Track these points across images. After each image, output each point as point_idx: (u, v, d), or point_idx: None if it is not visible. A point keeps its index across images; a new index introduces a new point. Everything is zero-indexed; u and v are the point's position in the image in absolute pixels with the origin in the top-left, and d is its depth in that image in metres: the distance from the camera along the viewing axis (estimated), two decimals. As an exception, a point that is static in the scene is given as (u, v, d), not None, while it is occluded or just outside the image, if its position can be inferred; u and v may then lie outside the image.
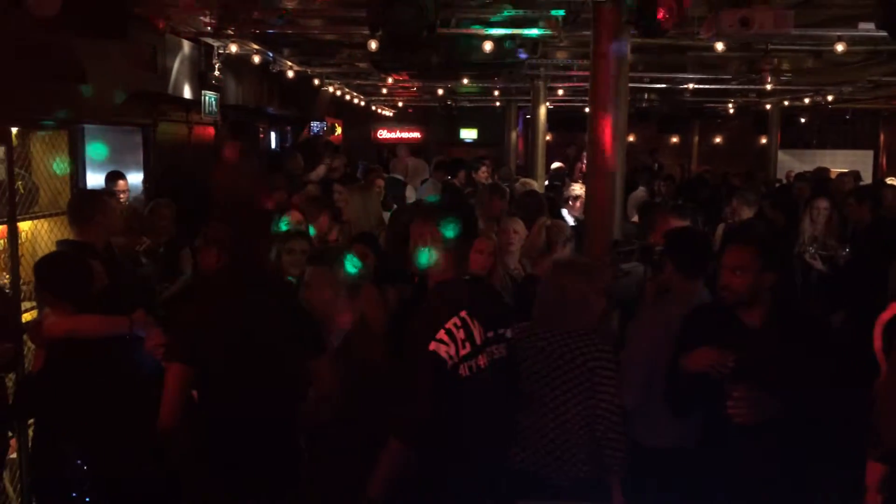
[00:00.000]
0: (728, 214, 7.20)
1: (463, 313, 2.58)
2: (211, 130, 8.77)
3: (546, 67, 9.63)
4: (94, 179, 6.15)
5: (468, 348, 2.57)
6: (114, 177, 6.17)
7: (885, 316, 2.63)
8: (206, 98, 7.96)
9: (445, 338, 2.52)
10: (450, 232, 2.63)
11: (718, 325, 2.78)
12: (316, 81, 10.17)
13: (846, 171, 10.23)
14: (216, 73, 7.86)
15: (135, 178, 6.80)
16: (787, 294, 5.64)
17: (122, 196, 5.97)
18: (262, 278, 2.85)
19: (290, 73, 9.04)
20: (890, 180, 10.35)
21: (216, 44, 7.64)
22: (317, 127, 14.07)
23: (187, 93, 7.52)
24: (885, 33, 4.32)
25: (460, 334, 2.55)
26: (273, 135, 13.00)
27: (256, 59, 8.00)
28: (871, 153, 17.30)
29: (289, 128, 13.67)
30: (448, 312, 2.57)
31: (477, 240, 3.63)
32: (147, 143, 7.02)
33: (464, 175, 9.60)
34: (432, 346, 2.51)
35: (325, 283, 3.08)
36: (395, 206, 7.01)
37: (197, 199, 3.98)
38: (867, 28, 5.44)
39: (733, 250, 2.78)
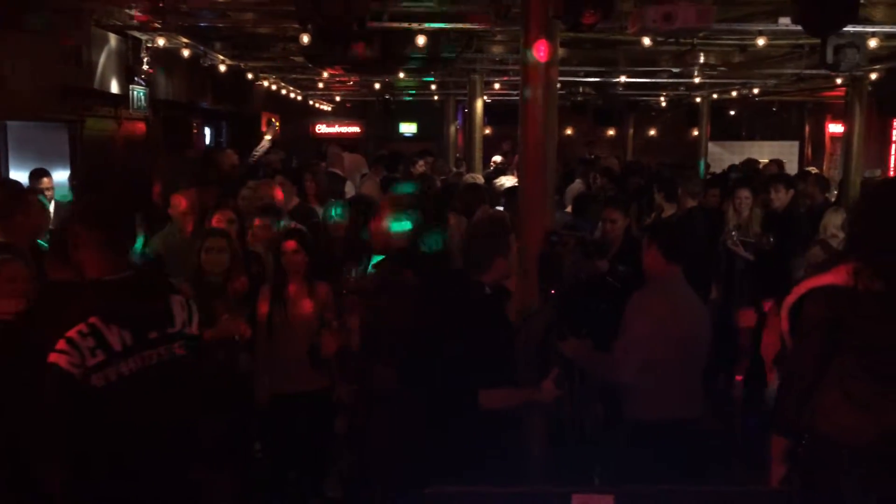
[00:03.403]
0: (658, 205, 7.41)
1: (92, 319, 2.42)
2: (142, 126, 8.58)
3: (482, 61, 9.70)
4: (18, 178, 5.96)
5: (100, 356, 2.41)
6: (38, 174, 5.99)
7: (790, 299, 2.74)
8: (135, 93, 7.78)
9: (66, 347, 2.36)
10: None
11: None
12: (249, 76, 10.02)
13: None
14: (145, 67, 7.68)
15: (61, 176, 6.61)
16: (707, 281, 5.87)
17: (47, 193, 5.80)
18: None
19: (223, 68, 8.89)
20: (812, 170, 10.77)
21: (144, 37, 7.46)
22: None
23: (115, 87, 7.34)
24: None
25: (87, 342, 2.40)
26: (208, 130, 12.78)
27: (186, 52, 7.84)
28: (796, 144, 17.94)
29: (224, 123, 13.45)
30: (71, 321, 2.41)
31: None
32: (73, 139, 6.83)
33: (402, 169, 9.62)
34: (52, 357, 2.35)
35: None
36: (331, 200, 7.00)
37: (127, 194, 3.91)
38: (786, 23, 5.64)
39: None
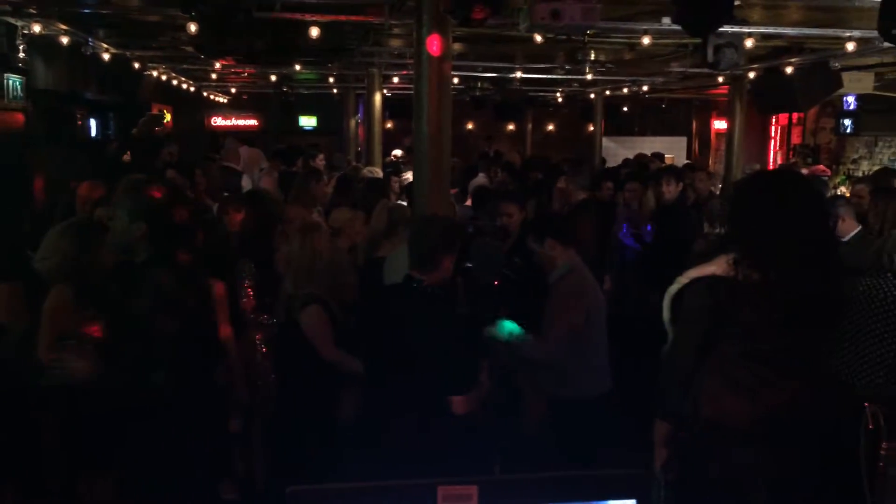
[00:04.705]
0: (556, 198, 7.59)
1: None
2: (19, 116, 8.09)
3: (380, 55, 9.64)
4: None
5: None
6: None
7: (672, 289, 2.85)
8: (10, 82, 7.34)
9: None
10: None
11: None
12: (137, 65, 9.60)
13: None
14: (21, 54, 7.25)
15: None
16: (599, 272, 6.07)
17: None
18: None
19: (107, 56, 8.48)
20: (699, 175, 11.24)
21: (19, 23, 7.03)
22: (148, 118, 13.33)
23: (-13, 76, 6.89)
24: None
25: None
26: (93, 122, 12.17)
27: (65, 40, 7.43)
28: (685, 139, 18.74)
29: (112, 114, 12.84)
30: None
31: None
32: (-60, 130, 6.37)
33: (301, 164, 9.48)
34: None
35: None
36: (225, 195, 6.82)
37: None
38: (669, 22, 5.86)
39: None
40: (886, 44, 5.10)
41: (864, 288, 3.56)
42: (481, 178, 9.90)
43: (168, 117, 15.57)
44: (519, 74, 10.87)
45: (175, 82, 12.37)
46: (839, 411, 2.89)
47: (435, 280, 3.26)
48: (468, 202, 7.91)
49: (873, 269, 3.67)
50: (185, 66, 11.31)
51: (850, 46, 6.88)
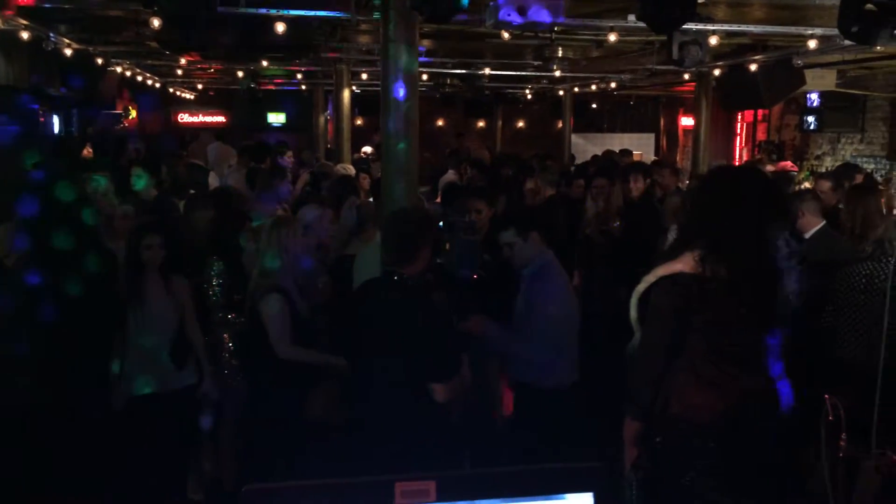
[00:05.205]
0: (527, 195, 7.61)
1: None
2: (-22, 113, 7.92)
3: (349, 51, 9.60)
4: None
5: None
6: None
7: (640, 288, 2.86)
8: (-32, 77, 7.16)
9: None
10: None
11: None
12: (100, 61, 9.44)
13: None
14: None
15: None
16: (569, 268, 6.11)
17: None
18: None
19: (69, 52, 8.32)
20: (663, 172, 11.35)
21: (-23, 17, 6.87)
22: (106, 115, 13.11)
23: (-57, 71, 6.72)
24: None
25: None
26: (56, 118, 11.95)
27: (26, 35, 7.28)
28: (653, 136, 18.91)
29: (75, 111, 12.62)
30: None
31: None
32: None
33: (270, 161, 9.38)
34: None
35: None
36: (191, 192, 6.74)
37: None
38: (634, 20, 5.91)
39: None
40: (847, 42, 5.19)
41: (867, 272, 4.06)
42: (451, 175, 9.92)
43: (133, 113, 15.36)
44: (488, 71, 10.89)
45: (140, 78, 12.18)
46: (801, 406, 2.93)
47: (414, 272, 3.29)
48: (438, 199, 7.91)
49: (875, 255, 4.13)
50: (149, 62, 11.16)
51: (812, 44, 6.99)
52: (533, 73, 11.05)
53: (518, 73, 11.03)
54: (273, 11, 5.65)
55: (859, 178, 7.10)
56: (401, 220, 3.50)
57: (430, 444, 3.04)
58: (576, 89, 14.41)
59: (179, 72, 12.20)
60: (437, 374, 3.16)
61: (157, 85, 14.00)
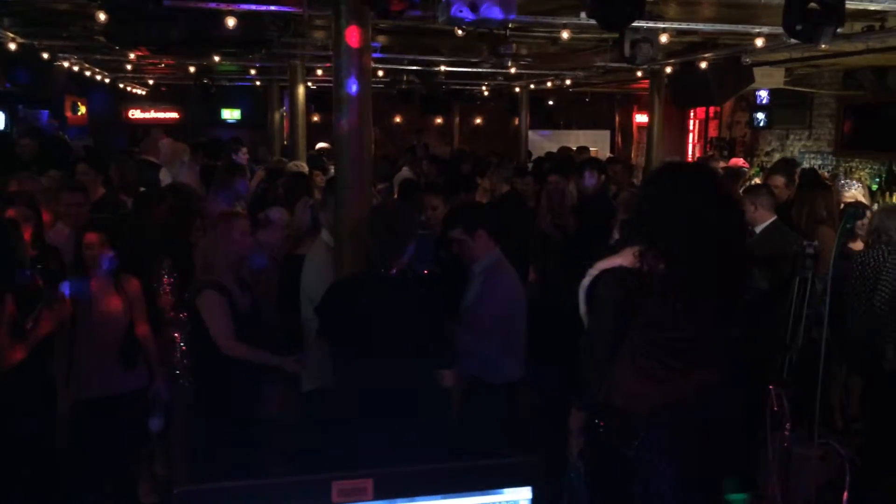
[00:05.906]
0: (480, 192, 7.66)
1: None
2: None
3: (303, 47, 9.48)
4: None
5: None
6: None
7: (584, 282, 2.90)
8: None
9: None
10: None
11: None
12: (46, 56, 9.19)
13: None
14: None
15: None
16: (524, 264, 6.16)
17: None
18: None
19: (13, 46, 8.09)
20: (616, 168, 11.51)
21: (-87, 10, 6.64)
22: (45, 116, 12.77)
23: None
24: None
25: None
26: (1, 115, 11.64)
27: (-34, 28, 7.06)
28: (608, 132, 19.12)
29: (20, 107, 12.30)
30: None
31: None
32: None
33: (224, 157, 9.24)
34: None
35: None
36: (141, 189, 6.61)
37: None
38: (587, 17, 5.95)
39: None
40: (793, 40, 5.30)
41: (862, 258, 4.54)
42: (405, 172, 9.92)
43: (82, 109, 15.00)
44: (444, 68, 10.87)
45: (88, 73, 11.88)
46: (743, 399, 3.00)
47: (400, 267, 3.34)
48: (395, 195, 7.90)
49: (870, 243, 4.61)
50: (98, 57, 10.87)
51: (760, 42, 7.13)
52: (489, 70, 11.07)
53: (474, 69, 11.03)
54: (223, 5, 5.55)
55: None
56: (390, 217, 3.52)
57: (436, 437, 3.09)
58: (532, 86, 14.49)
59: (129, 67, 11.94)
60: (444, 360, 3.31)
61: (107, 80, 13.69)
